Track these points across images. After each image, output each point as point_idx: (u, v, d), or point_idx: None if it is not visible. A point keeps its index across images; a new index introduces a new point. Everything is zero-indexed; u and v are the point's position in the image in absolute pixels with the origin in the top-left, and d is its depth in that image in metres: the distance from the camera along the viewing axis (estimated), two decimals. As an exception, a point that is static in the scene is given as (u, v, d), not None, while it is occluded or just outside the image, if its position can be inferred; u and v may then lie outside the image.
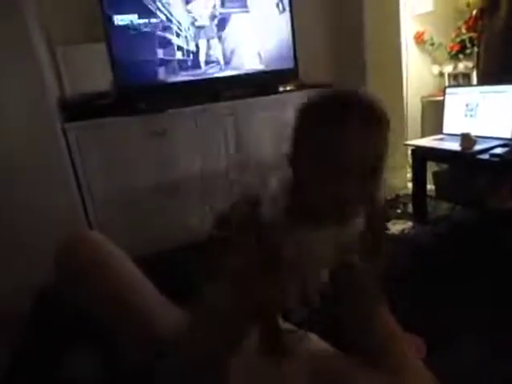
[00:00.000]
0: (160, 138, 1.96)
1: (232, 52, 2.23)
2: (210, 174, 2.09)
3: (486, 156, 1.79)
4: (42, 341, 1.19)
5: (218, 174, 2.12)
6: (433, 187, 2.51)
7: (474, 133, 1.90)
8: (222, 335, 0.65)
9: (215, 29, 2.17)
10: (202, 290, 0.66)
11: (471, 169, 2.19)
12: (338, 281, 0.69)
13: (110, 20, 1.92)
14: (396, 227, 2.20)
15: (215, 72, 2.20)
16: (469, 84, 2.69)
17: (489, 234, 1.90)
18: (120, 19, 1.94)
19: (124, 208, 1.93)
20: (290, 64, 2.34)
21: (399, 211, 2.45)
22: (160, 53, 2.05)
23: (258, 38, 2.26)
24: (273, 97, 2.28)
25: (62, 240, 0.83)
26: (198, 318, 0.70)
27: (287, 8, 2.29)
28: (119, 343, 0.81)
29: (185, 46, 2.11)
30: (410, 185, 2.50)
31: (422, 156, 2.23)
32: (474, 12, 2.61)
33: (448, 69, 2.79)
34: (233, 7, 2.18)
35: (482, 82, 2.55)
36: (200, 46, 2.15)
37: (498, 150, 1.78)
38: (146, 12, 1.98)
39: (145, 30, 1.99)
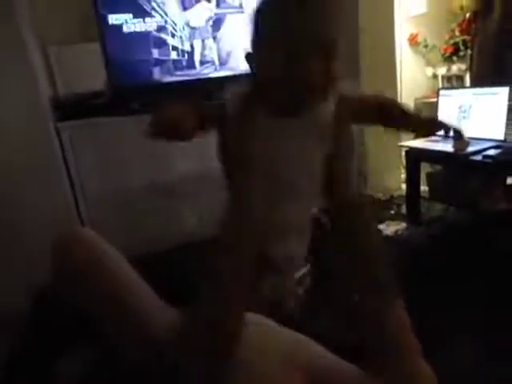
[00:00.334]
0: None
1: (227, 52, 2.23)
2: (205, 174, 2.08)
3: (479, 157, 1.80)
4: (40, 341, 1.19)
5: (214, 174, 2.11)
6: (427, 188, 2.52)
7: (467, 134, 1.91)
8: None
9: (210, 29, 2.16)
10: (197, 290, 0.65)
11: (464, 170, 2.20)
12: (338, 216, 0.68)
13: (105, 19, 1.91)
14: (390, 228, 2.21)
15: (210, 72, 2.20)
16: (462, 86, 2.71)
17: (482, 235, 1.91)
18: (114, 18, 1.92)
19: (119, 208, 1.92)
20: (284, 65, 2.34)
21: (393, 212, 2.46)
22: (155, 52, 2.04)
23: (253, 39, 2.26)
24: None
25: (55, 240, 0.83)
26: (189, 318, 0.70)
27: (282, 9, 2.29)
28: (117, 343, 0.81)
29: (180, 46, 2.11)
30: (404, 186, 2.52)
31: (415, 157, 2.24)
32: (468, 15, 2.64)
33: (442, 71, 2.82)
34: (228, 8, 2.18)
35: (475, 84, 2.58)
36: (195, 46, 2.14)
37: (491, 152, 1.80)
38: (140, 12, 1.97)
39: (139, 29, 1.99)
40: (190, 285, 0.67)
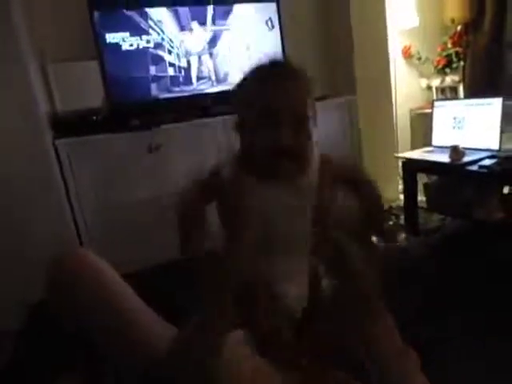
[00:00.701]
0: (153, 154, 1.96)
1: (223, 68, 2.26)
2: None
3: (474, 167, 1.82)
4: (35, 355, 1.18)
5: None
6: (424, 199, 2.53)
7: (462, 145, 1.93)
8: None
9: (206, 45, 2.20)
10: (194, 306, 0.66)
11: (460, 180, 2.22)
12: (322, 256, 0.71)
13: (102, 38, 1.94)
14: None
15: (207, 88, 2.23)
16: (456, 97, 2.74)
17: (479, 244, 1.92)
18: (112, 37, 1.96)
19: (117, 223, 1.92)
20: (280, 79, 2.37)
21: (391, 223, 2.46)
22: (152, 69, 2.07)
23: (248, 55, 2.29)
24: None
25: (52, 259, 0.83)
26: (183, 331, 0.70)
27: (276, 25, 2.34)
28: (114, 358, 0.81)
29: (176, 63, 2.14)
30: (402, 196, 2.53)
31: (412, 168, 2.26)
32: (459, 27, 2.68)
33: (436, 82, 2.86)
34: (223, 24, 2.22)
35: (469, 95, 2.62)
36: (191, 62, 2.18)
37: (486, 162, 1.82)
38: (137, 30, 2.01)
39: (137, 47, 2.02)
40: (187, 300, 0.67)
